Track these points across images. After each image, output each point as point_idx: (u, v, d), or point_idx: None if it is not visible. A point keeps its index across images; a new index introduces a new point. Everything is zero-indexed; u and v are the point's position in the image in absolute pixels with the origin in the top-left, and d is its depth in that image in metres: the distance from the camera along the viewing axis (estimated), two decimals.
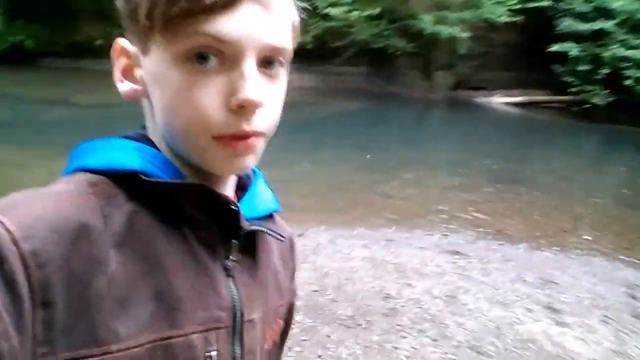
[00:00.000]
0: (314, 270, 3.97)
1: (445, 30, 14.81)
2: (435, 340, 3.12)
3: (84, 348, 0.46)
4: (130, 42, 0.57)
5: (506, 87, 17.33)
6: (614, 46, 14.80)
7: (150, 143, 0.58)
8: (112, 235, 0.50)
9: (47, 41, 13.76)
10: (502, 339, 3.23)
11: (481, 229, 5.47)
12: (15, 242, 0.44)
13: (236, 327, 0.59)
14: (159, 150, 0.58)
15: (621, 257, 5.14)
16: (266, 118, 0.55)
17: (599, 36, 15.23)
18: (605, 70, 14.88)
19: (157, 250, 0.53)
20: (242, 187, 0.67)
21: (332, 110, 13.56)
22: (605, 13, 15.09)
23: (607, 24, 14.89)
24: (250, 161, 0.56)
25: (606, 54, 14.82)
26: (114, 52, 0.58)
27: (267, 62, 0.54)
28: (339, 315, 3.35)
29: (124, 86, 0.58)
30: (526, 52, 16.84)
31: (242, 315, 0.59)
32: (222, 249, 0.59)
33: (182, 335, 0.53)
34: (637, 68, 14.36)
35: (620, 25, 15.02)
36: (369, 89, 15.67)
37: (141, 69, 0.56)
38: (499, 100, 16.82)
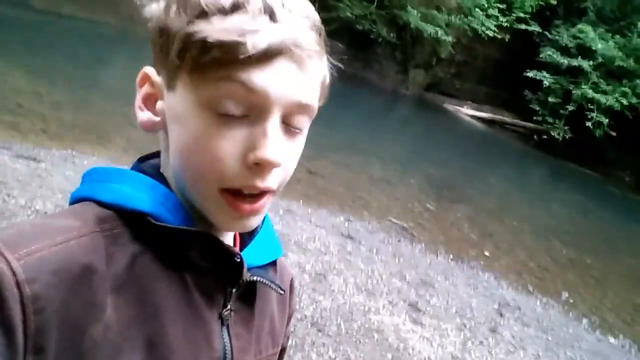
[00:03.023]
0: None
1: (430, 29, 14.76)
2: None
3: None
4: (157, 72, 0.55)
5: (477, 100, 17.50)
6: (585, 86, 15.09)
7: (163, 179, 0.57)
8: (112, 278, 0.49)
9: None
10: (350, 324, 3.28)
11: (387, 222, 5.55)
12: (18, 285, 0.43)
13: None
14: (171, 189, 0.56)
15: (510, 278, 5.32)
16: (280, 175, 0.54)
17: (575, 73, 15.52)
18: (571, 107, 15.19)
19: (155, 297, 0.52)
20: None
21: None
22: (586, 52, 15.33)
23: (585, 64, 15.13)
24: (255, 222, 0.56)
25: (576, 91, 15.12)
26: (138, 79, 0.56)
27: (291, 118, 0.53)
28: None
29: (142, 115, 0.56)
30: (504, 71, 17.01)
31: None
32: (220, 297, 0.58)
33: None
34: (600, 112, 14.71)
35: (596, 67, 15.31)
36: (343, 70, 15.54)
37: (163, 101, 0.55)
38: (466, 112, 16.98)
